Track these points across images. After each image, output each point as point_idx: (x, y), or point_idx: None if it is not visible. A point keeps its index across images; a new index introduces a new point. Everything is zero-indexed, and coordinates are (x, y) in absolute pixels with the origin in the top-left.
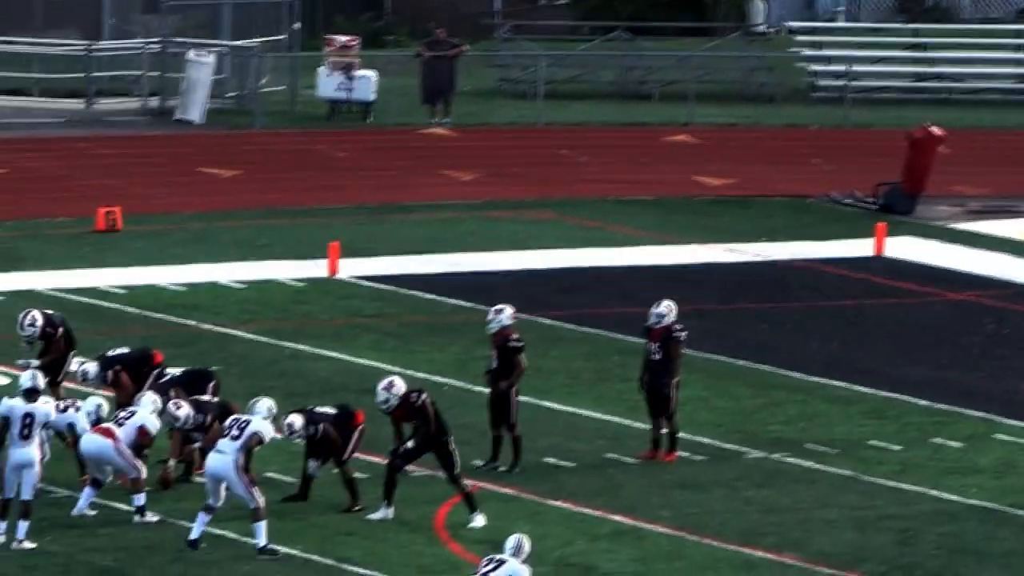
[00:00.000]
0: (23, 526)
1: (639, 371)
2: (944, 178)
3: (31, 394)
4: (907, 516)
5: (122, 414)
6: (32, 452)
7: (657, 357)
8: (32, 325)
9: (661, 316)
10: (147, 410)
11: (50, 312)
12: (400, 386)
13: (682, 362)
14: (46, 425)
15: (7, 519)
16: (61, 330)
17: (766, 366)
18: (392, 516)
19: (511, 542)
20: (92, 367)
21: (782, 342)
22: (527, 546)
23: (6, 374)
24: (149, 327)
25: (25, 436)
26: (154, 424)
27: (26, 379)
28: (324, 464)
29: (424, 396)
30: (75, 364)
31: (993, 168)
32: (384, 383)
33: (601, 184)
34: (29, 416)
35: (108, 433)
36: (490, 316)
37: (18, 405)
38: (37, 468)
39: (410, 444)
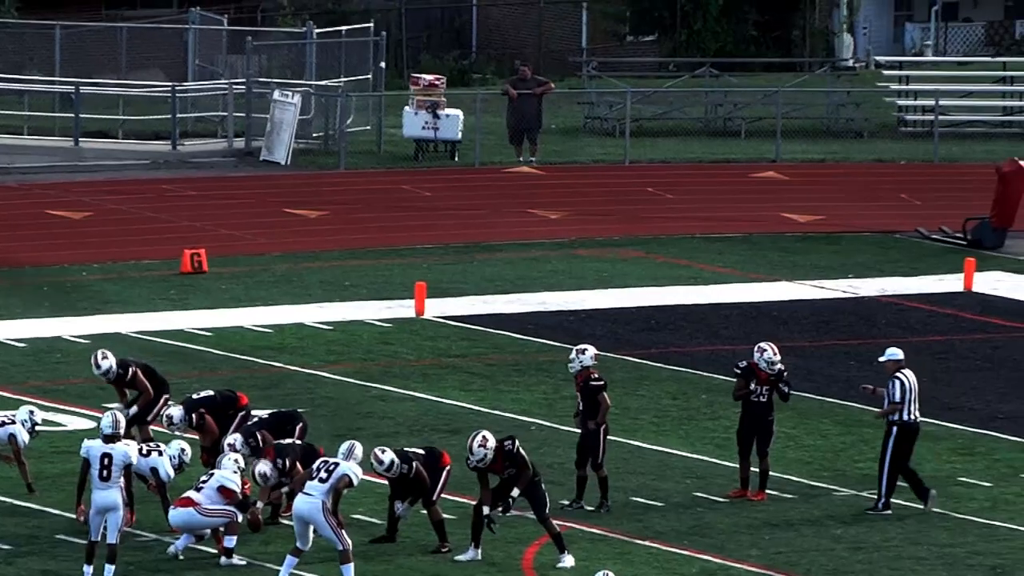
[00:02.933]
0: (109, 570)
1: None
2: None
3: (110, 436)
4: (997, 553)
5: (202, 478)
6: (114, 495)
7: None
8: (98, 367)
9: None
10: (228, 471)
11: (125, 359)
12: (492, 439)
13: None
14: (128, 468)
15: (93, 563)
16: (133, 369)
17: (854, 403)
18: (480, 557)
19: None
20: (177, 412)
21: (870, 379)
22: None
23: (91, 417)
24: (235, 369)
25: (104, 478)
26: (234, 482)
27: (105, 422)
28: (412, 505)
29: (517, 443)
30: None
31: None
32: (478, 440)
33: (688, 221)
34: (107, 457)
35: (188, 503)
36: (572, 356)
37: (96, 446)
38: (121, 511)
39: (515, 492)
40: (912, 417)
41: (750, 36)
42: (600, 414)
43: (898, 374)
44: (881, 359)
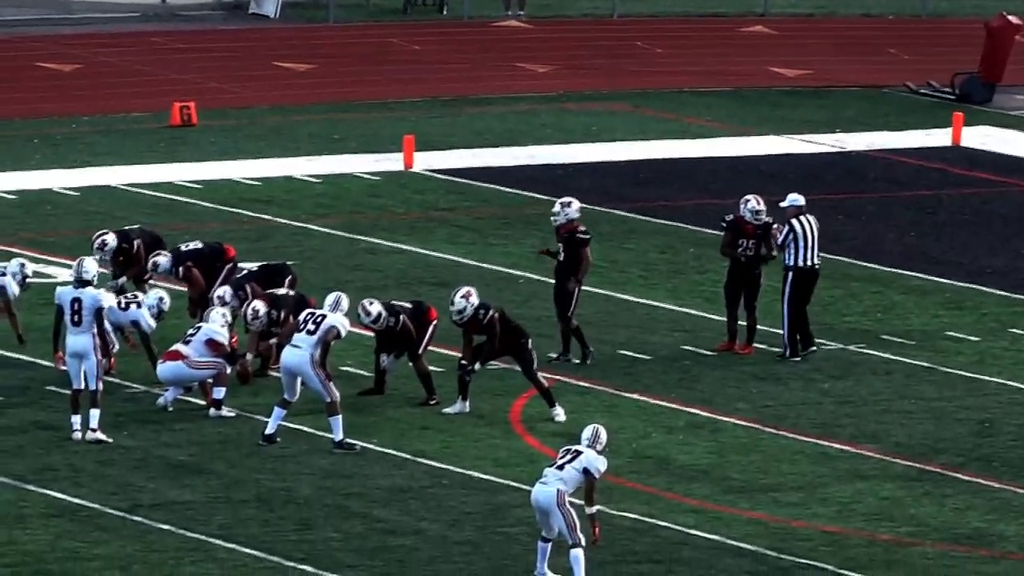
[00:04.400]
0: (95, 414)
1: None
2: (1022, 67)
3: (82, 281)
4: (985, 407)
5: (189, 331)
6: (85, 340)
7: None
8: (101, 248)
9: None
10: (216, 323)
11: (126, 228)
12: (475, 296)
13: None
14: (99, 312)
15: (79, 412)
16: (138, 243)
17: (842, 257)
18: (468, 410)
19: (588, 432)
20: (164, 260)
21: (858, 233)
22: (604, 436)
23: None
24: (224, 222)
25: (76, 323)
26: (222, 335)
27: (77, 267)
28: (398, 358)
29: (492, 313)
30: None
31: None
32: (463, 291)
33: (677, 75)
34: (77, 301)
35: (176, 355)
36: (556, 208)
37: (67, 291)
38: (94, 357)
39: (476, 366)
40: (808, 263)
41: None
42: (580, 270)
43: (794, 220)
44: (782, 204)
